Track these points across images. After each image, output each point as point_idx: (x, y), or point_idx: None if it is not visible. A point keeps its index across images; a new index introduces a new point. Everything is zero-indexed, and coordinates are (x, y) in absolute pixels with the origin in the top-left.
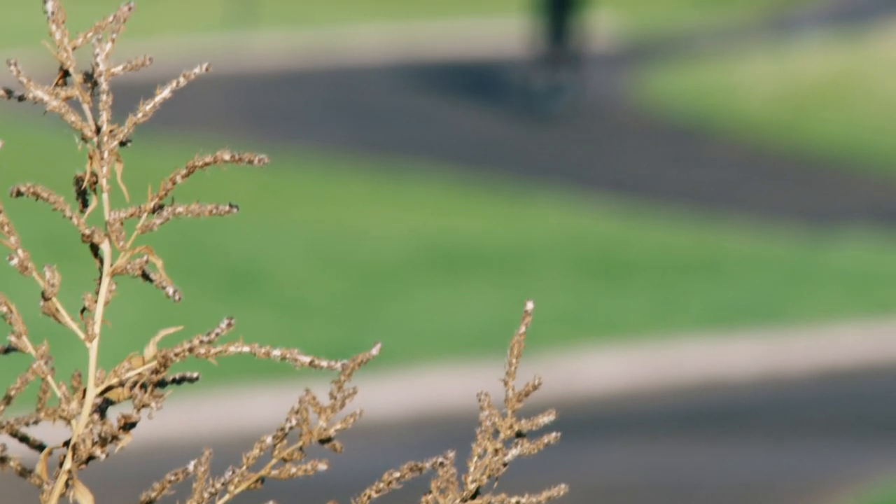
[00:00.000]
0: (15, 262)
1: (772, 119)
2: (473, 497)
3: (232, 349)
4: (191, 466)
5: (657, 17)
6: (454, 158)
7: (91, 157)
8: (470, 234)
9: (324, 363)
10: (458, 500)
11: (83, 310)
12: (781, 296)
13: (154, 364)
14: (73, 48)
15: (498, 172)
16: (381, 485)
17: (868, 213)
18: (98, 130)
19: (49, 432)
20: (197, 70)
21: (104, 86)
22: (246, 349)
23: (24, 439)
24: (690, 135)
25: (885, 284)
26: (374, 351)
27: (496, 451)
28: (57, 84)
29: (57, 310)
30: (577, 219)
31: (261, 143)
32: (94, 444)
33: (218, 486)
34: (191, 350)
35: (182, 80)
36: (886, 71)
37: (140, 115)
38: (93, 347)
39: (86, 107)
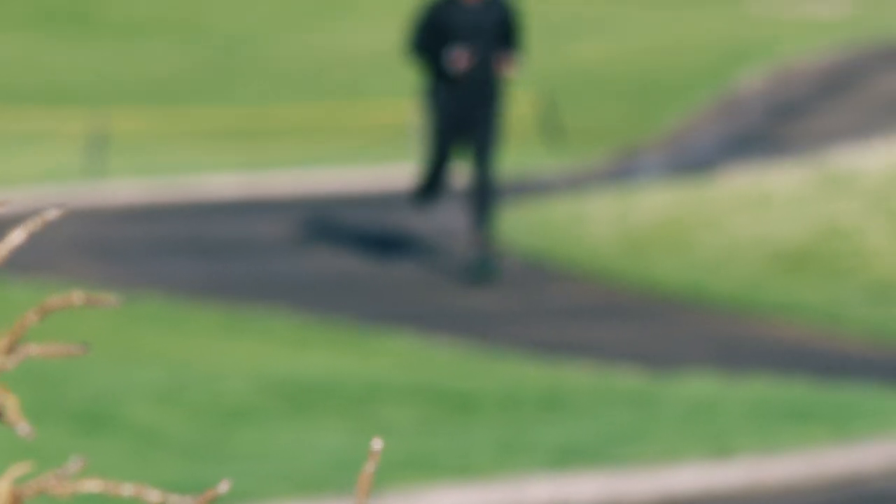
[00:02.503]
0: None
1: (614, 258)
2: None
3: (84, 487)
4: None
5: (505, 160)
6: (304, 297)
7: None
8: (319, 371)
9: (174, 500)
10: None
11: None
12: (623, 433)
13: (6, 502)
14: None
15: (347, 311)
16: None
17: (709, 351)
18: None
19: None
20: (49, 214)
21: None
22: (98, 487)
23: None
24: (534, 273)
25: (726, 421)
26: (222, 488)
27: None
28: None
29: None
30: (424, 357)
31: (113, 282)
32: None
33: None
34: (43, 488)
35: (34, 225)
36: (727, 210)
37: None
38: None
39: None
